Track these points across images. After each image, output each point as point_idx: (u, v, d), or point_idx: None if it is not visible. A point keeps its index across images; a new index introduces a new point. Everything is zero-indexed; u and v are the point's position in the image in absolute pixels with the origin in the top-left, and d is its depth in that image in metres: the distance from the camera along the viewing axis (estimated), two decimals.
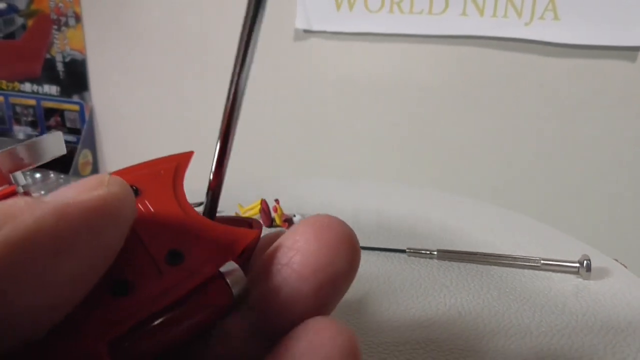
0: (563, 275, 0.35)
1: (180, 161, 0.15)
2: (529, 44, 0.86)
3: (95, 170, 1.33)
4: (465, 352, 0.26)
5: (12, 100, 1.34)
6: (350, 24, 0.96)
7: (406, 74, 0.97)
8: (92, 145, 1.31)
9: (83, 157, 1.29)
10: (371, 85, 1.00)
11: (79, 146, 1.27)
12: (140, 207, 0.13)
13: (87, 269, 0.10)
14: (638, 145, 0.85)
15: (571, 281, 0.34)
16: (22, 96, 1.33)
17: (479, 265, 0.36)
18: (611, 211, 0.89)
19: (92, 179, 0.11)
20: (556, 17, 0.82)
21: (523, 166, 0.93)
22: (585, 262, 0.34)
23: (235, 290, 0.12)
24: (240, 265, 0.13)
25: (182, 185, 0.14)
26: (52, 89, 1.30)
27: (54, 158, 0.14)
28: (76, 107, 1.29)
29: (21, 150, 0.13)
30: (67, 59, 1.26)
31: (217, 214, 0.15)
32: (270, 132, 1.11)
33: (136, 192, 0.13)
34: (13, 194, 0.13)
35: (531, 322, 0.29)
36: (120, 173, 0.14)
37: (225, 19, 1.06)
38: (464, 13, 0.88)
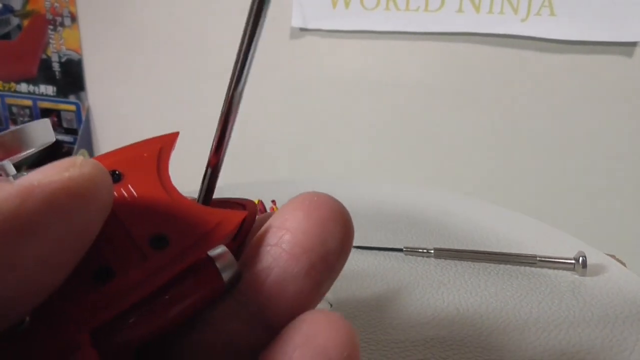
0: (559, 271, 0.35)
1: (165, 143, 0.14)
2: (525, 40, 0.86)
3: None
4: (464, 349, 0.26)
5: (8, 100, 1.34)
6: (346, 21, 0.95)
7: (403, 71, 0.97)
8: (89, 145, 1.31)
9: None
10: (368, 83, 1.00)
11: (76, 146, 1.27)
12: (123, 191, 0.13)
13: (60, 252, 0.10)
14: (634, 141, 0.85)
15: (567, 277, 0.34)
16: (18, 97, 1.33)
17: (475, 263, 0.36)
18: (607, 208, 0.89)
19: (64, 161, 0.10)
20: (552, 13, 0.83)
21: (519, 163, 0.93)
22: (581, 258, 0.34)
23: (225, 275, 0.12)
24: (235, 249, 0.13)
25: (166, 167, 0.13)
26: (48, 89, 1.30)
27: (43, 146, 0.13)
28: (72, 107, 1.29)
29: (7, 138, 0.12)
30: (63, 59, 1.26)
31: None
32: (265, 130, 1.10)
33: (119, 176, 0.13)
34: None
35: (528, 318, 0.29)
36: (102, 157, 0.13)
37: (222, 17, 1.06)
38: (460, 10, 0.88)
